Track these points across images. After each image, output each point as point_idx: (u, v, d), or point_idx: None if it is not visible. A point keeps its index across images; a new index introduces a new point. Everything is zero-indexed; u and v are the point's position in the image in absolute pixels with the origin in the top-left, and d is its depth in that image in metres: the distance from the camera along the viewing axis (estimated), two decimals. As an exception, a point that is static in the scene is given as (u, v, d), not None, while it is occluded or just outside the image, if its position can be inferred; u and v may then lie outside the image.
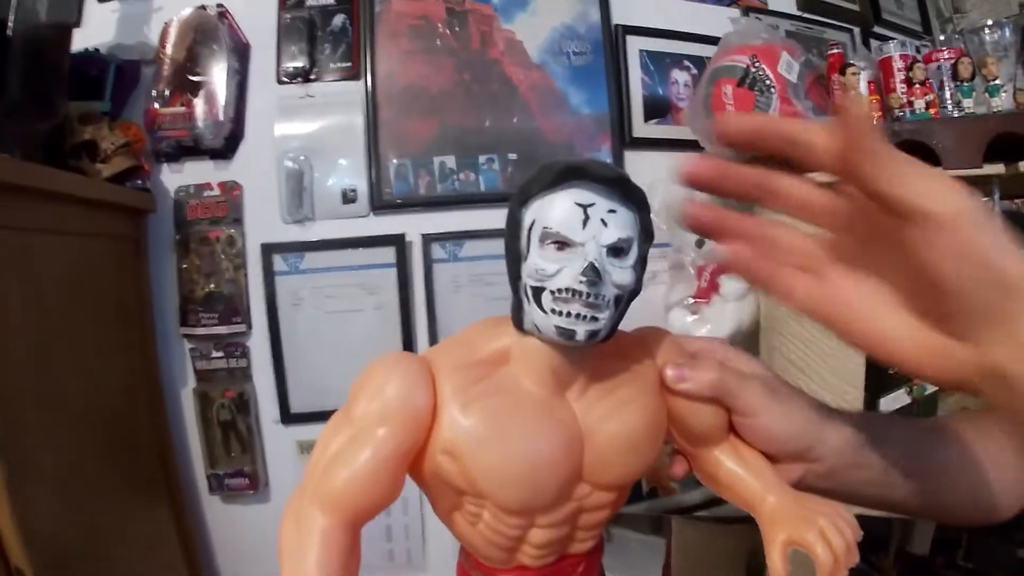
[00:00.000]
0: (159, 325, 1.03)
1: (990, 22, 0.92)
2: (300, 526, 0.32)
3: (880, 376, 0.91)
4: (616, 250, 0.32)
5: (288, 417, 1.01)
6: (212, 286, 1.03)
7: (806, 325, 0.88)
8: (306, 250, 0.99)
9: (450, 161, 0.99)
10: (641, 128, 1.05)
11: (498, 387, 0.34)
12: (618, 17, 1.08)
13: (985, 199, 0.91)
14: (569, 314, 0.31)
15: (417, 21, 1.03)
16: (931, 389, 0.92)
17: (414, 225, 1.00)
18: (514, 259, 0.33)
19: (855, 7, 1.27)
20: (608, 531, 0.69)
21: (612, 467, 0.35)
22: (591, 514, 0.37)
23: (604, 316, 0.32)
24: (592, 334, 0.32)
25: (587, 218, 0.31)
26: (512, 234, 0.33)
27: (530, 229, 0.32)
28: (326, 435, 0.33)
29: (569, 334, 0.31)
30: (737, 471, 0.38)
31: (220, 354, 1.03)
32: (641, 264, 0.33)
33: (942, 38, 0.92)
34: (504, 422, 0.33)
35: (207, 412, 1.04)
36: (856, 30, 1.25)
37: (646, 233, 0.33)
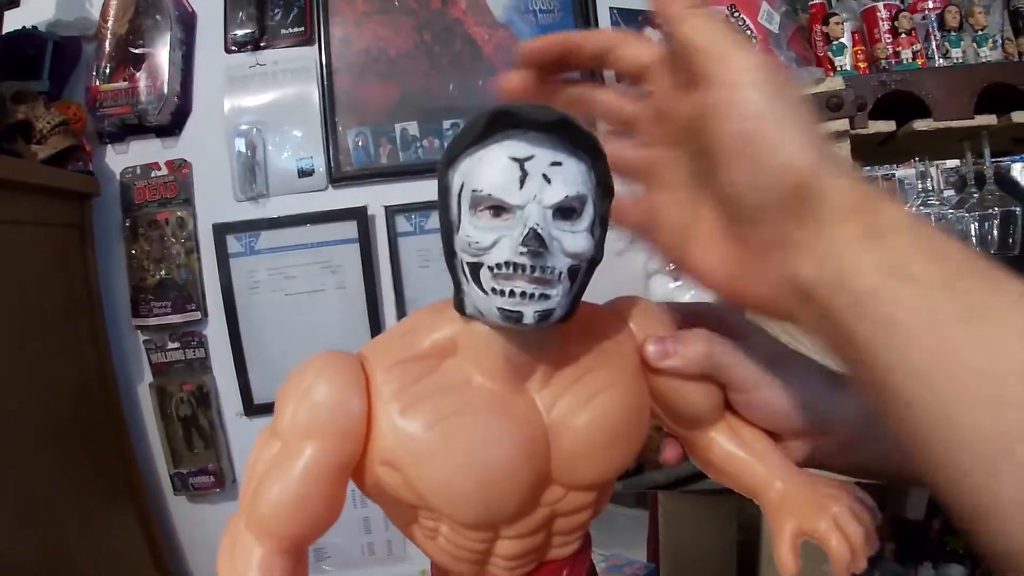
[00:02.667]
0: (109, 317, 0.97)
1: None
2: (236, 556, 0.28)
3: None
4: (565, 211, 0.26)
5: (252, 409, 0.96)
6: (163, 273, 0.96)
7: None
8: (261, 229, 0.93)
9: (412, 127, 0.93)
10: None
11: (444, 384, 0.29)
12: (587, -27, 1.02)
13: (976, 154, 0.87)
14: (513, 293, 0.26)
15: (374, -21, 0.96)
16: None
17: (376, 197, 0.94)
18: (447, 231, 0.27)
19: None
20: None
21: (586, 466, 0.30)
22: (568, 518, 0.32)
23: (556, 292, 0.26)
24: (543, 315, 0.26)
25: (525, 175, 0.25)
26: (442, 202, 0.27)
27: (459, 194, 0.27)
28: (254, 452, 0.29)
29: (515, 317, 0.26)
30: (737, 454, 0.34)
31: (176, 345, 0.97)
32: (600, 225, 0.27)
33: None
34: (451, 425, 0.28)
35: (166, 408, 0.98)
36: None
37: (603, 188, 0.27)
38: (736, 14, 0.81)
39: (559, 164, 0.26)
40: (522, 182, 0.25)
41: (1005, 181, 1.01)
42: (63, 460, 0.83)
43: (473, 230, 0.26)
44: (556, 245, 0.26)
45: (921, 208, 0.93)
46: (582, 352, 0.31)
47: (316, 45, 0.95)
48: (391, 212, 0.93)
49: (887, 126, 0.80)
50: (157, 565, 0.94)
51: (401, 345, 0.30)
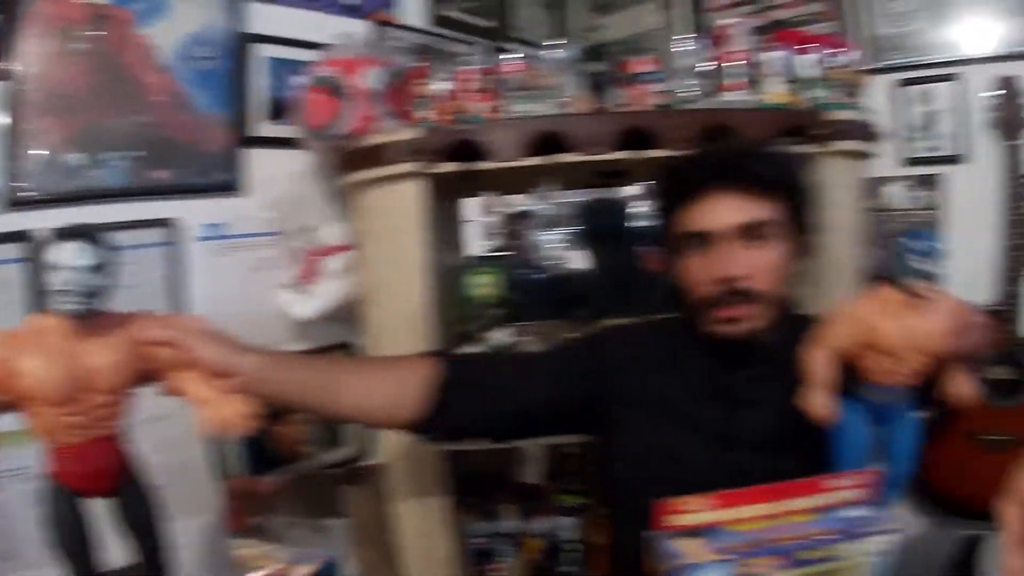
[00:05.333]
0: None
1: (549, 43, 1.16)
2: None
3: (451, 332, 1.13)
4: None
5: None
6: None
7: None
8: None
9: (82, 158, 1.07)
10: (268, 128, 1.21)
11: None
12: (252, 27, 1.20)
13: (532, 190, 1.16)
14: None
15: (61, 22, 1.09)
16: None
17: (51, 221, 0.97)
18: None
19: (487, 23, 1.47)
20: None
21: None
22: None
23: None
24: None
25: None
26: None
27: None
28: None
29: None
30: (196, 385, 0.64)
31: None
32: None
33: (509, 56, 1.14)
34: None
35: None
36: (487, 43, 1.45)
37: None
38: (344, 74, 1.04)
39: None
40: None
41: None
42: None
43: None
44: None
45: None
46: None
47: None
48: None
49: (454, 167, 1.07)
50: None
51: None
